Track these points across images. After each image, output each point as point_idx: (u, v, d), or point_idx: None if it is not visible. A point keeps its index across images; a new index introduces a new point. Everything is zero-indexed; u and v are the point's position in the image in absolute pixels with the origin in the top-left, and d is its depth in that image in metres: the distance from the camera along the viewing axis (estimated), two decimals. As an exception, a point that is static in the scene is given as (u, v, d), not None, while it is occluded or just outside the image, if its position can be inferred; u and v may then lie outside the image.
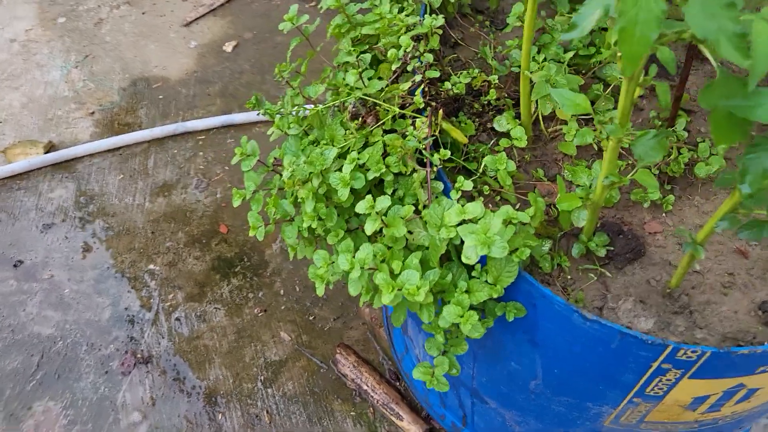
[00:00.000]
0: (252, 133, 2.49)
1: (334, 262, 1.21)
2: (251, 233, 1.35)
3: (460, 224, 1.03)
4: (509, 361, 1.22)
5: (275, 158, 1.39)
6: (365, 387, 1.85)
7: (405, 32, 1.35)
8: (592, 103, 1.27)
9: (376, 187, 1.23)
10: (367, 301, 1.16)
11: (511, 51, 1.34)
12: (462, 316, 1.05)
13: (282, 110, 1.32)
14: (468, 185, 1.07)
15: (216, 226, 2.23)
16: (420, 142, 1.14)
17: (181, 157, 2.41)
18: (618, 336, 0.99)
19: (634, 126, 1.33)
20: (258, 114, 1.43)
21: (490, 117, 1.32)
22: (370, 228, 1.07)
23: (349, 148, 1.23)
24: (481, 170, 1.17)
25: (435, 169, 1.13)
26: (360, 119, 1.24)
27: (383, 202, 1.07)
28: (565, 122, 1.29)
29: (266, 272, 2.12)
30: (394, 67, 1.31)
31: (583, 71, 1.35)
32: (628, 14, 0.59)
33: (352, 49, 1.31)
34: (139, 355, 1.95)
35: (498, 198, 1.15)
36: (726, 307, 1.08)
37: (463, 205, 1.03)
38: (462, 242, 1.04)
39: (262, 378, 1.91)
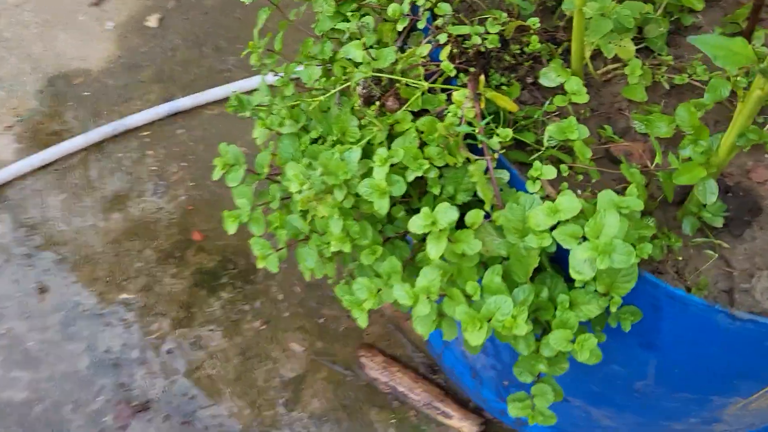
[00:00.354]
0: (203, 117, 2.16)
1: (381, 290, 0.95)
2: (260, 265, 1.08)
3: (554, 227, 0.78)
4: (610, 365, 1.00)
5: (271, 165, 1.11)
6: (401, 388, 1.64)
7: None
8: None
9: (412, 185, 0.97)
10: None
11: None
12: (573, 341, 0.82)
13: (273, 105, 1.03)
14: (550, 172, 0.82)
15: (188, 234, 1.93)
16: (470, 124, 0.88)
17: (128, 160, 2.08)
18: (778, 332, 0.78)
19: (694, 48, 1.09)
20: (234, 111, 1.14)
21: (528, 69, 1.06)
22: (435, 251, 0.82)
23: (369, 143, 0.96)
24: (547, 142, 0.92)
25: (495, 155, 0.88)
26: (377, 103, 0.96)
27: (448, 214, 0.81)
28: (617, 59, 1.04)
29: (258, 277, 1.85)
30: (400, 27, 1.03)
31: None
32: None
33: (350, 13, 1.02)
34: (134, 403, 1.68)
35: (580, 177, 0.90)
36: None
37: (553, 201, 0.79)
38: (557, 245, 0.80)
39: (283, 400, 1.67)
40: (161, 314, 1.80)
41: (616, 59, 1.05)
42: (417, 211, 1.02)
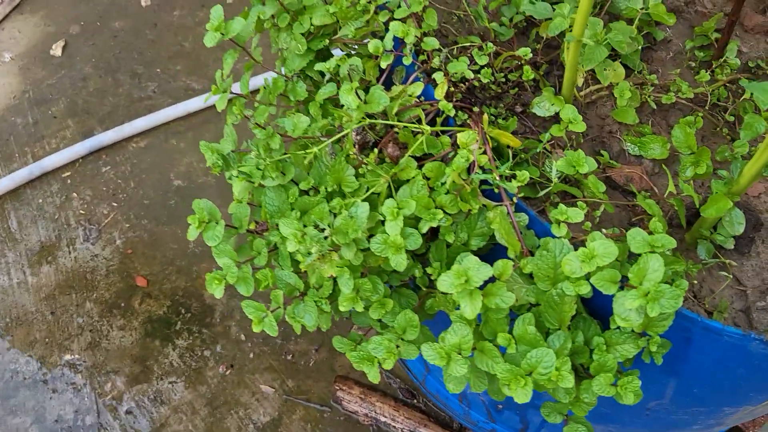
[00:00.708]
0: (129, 151, 2.01)
1: (400, 347, 0.91)
2: (256, 329, 1.00)
3: (589, 275, 0.76)
4: (627, 390, 1.00)
5: (257, 222, 1.03)
6: (383, 418, 1.59)
7: (375, 12, 1.01)
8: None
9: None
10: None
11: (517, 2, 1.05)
12: (615, 385, 0.80)
13: (257, 158, 0.94)
14: (576, 215, 0.80)
15: (131, 280, 1.79)
16: (488, 171, 0.84)
17: (51, 206, 1.91)
18: (810, 352, 0.79)
19: (668, 61, 1.11)
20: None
21: (514, 97, 1.04)
22: (471, 310, 0.78)
23: (372, 194, 0.90)
24: (555, 177, 0.89)
25: (514, 200, 0.84)
26: (375, 150, 0.91)
27: (482, 271, 0.77)
28: (597, 81, 1.04)
29: (215, 319, 1.75)
30: (384, 64, 0.97)
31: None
32: None
33: (339, 60, 0.95)
34: (97, 474, 1.55)
35: (598, 213, 0.89)
36: None
37: (583, 245, 0.77)
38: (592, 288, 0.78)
39: (260, 448, 1.59)
40: (113, 372, 1.67)
41: (597, 81, 1.05)
42: (422, 256, 0.98)
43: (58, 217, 1.89)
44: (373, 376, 0.97)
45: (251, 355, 1.70)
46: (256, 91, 1.10)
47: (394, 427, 1.58)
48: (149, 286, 1.79)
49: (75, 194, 1.93)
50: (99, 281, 1.79)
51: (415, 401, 1.64)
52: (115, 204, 1.92)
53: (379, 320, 0.99)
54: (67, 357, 1.69)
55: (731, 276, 0.90)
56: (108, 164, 1.98)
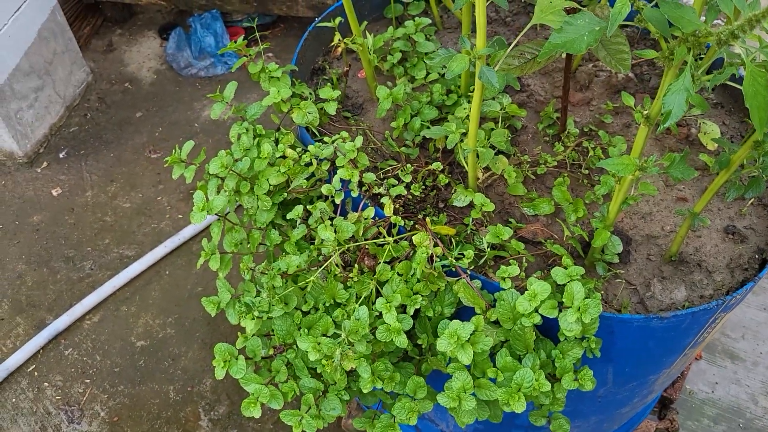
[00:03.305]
0: (85, 329, 2.15)
1: (417, 405, 1.18)
2: (297, 431, 1.24)
3: (537, 308, 1.09)
4: (582, 386, 1.33)
5: (274, 347, 1.27)
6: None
7: (318, 164, 1.32)
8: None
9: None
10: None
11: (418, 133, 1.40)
12: (576, 380, 1.12)
13: (268, 298, 1.21)
14: (514, 270, 1.13)
15: (125, 444, 1.92)
16: (444, 257, 1.16)
17: (26, 401, 2.01)
18: (690, 316, 1.16)
19: (530, 142, 1.50)
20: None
21: (435, 198, 1.37)
22: (466, 357, 1.08)
23: (364, 298, 1.19)
24: (487, 247, 1.23)
25: (468, 272, 1.16)
26: (355, 266, 1.20)
27: (466, 329, 1.08)
28: (488, 169, 1.40)
29: (214, 453, 1.91)
30: (338, 200, 1.28)
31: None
32: (756, 95, 0.71)
33: (311, 208, 1.24)
34: None
35: (525, 265, 1.22)
36: (710, 246, 1.31)
37: (525, 290, 1.09)
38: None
39: None
40: None
41: (486, 169, 1.41)
42: (407, 333, 1.27)
43: (36, 410, 1.99)
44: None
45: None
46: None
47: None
48: (145, 444, 1.93)
49: (46, 383, 2.04)
50: (96, 455, 1.91)
51: (412, 464, 1.88)
52: (87, 380, 2.05)
53: (390, 392, 1.26)
54: None
55: (624, 281, 1.26)
56: (69, 347, 2.12)
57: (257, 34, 1.70)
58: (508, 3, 1.54)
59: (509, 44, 1.13)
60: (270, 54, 2.95)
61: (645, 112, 0.92)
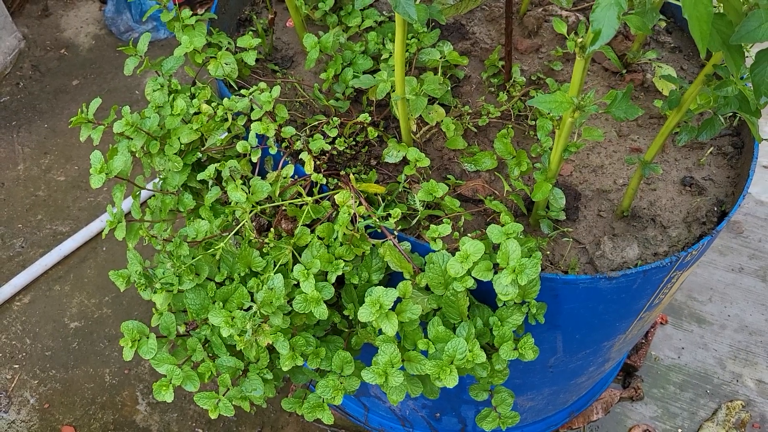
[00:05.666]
0: (14, 311, 2.01)
1: (343, 382, 1.06)
2: (213, 415, 1.12)
3: (470, 271, 0.97)
4: (528, 355, 1.22)
5: (186, 323, 1.15)
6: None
7: (233, 119, 1.19)
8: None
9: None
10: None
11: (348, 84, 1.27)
12: (516, 349, 1.01)
13: (174, 267, 1.07)
14: (445, 229, 1.01)
15: (57, 432, 1.80)
16: (368, 217, 1.03)
17: (-51, 389, 1.87)
18: (641, 275, 1.04)
19: (474, 92, 1.37)
20: None
21: (366, 153, 1.25)
22: (391, 328, 0.96)
23: (281, 266, 1.07)
24: (420, 205, 1.10)
25: (395, 233, 1.04)
26: (271, 230, 1.07)
27: (389, 295, 0.96)
28: (426, 122, 1.27)
29: (153, 438, 1.79)
30: (255, 158, 1.15)
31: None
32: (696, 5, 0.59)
33: (219, 166, 1.11)
34: None
35: (461, 223, 1.10)
36: (665, 199, 1.20)
37: (457, 251, 0.97)
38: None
39: None
40: None
41: (423, 122, 1.28)
42: (335, 305, 1.15)
43: (-39, 398, 1.85)
44: (327, 418, 1.12)
45: (200, 459, 1.76)
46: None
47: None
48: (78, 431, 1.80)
49: (-29, 370, 1.91)
50: (24, 444, 1.78)
51: (363, 443, 1.78)
52: (16, 366, 1.91)
53: (317, 369, 1.14)
54: None
55: (571, 239, 1.15)
56: (-6, 331, 1.98)
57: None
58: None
59: (435, -27, 0.99)
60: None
61: (579, 40, 0.79)
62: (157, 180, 1.24)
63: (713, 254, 2.06)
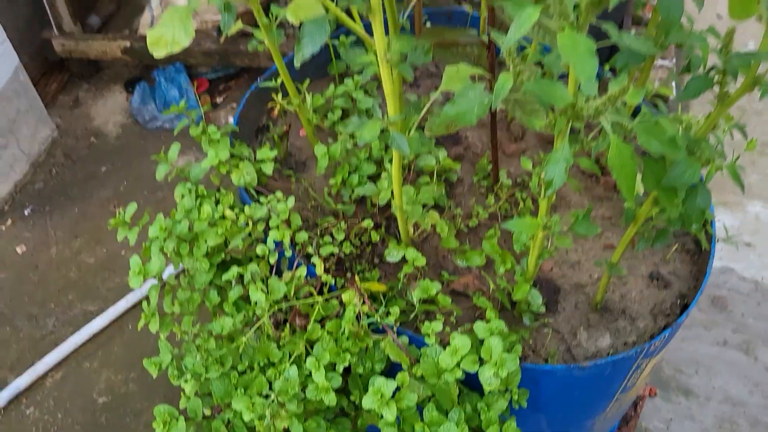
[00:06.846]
0: (47, 387, 2.16)
1: (350, 462, 1.20)
2: (235, 491, 1.25)
3: (458, 363, 1.12)
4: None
5: (212, 407, 1.30)
6: None
7: (253, 224, 1.36)
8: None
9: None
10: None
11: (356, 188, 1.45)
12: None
13: (203, 360, 1.23)
14: (437, 326, 1.17)
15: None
16: (372, 315, 1.19)
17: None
18: (611, 364, 1.19)
19: (466, 194, 1.54)
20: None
21: (370, 253, 1.41)
22: (391, 414, 1.10)
23: (296, 357, 1.22)
24: (417, 302, 1.26)
25: (395, 329, 1.20)
26: (287, 325, 1.23)
27: (389, 386, 1.11)
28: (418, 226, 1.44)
29: None
30: (272, 260, 1.32)
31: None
32: (623, 167, 0.76)
33: (241, 270, 1.28)
34: None
35: (453, 319, 1.26)
36: (635, 292, 1.35)
37: (448, 345, 1.13)
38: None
39: None
40: None
41: (419, 224, 1.45)
42: (344, 390, 1.30)
43: (-4, 471, 1.99)
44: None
45: None
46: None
47: None
48: (104, 503, 1.92)
49: (5, 445, 2.04)
50: None
51: None
52: (41, 444, 2.05)
53: (327, 449, 1.28)
54: None
55: (551, 330, 1.30)
56: (30, 405, 2.12)
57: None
58: (413, 69, 1.58)
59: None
60: (234, 105, 3.01)
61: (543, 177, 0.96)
62: (173, 270, 1.40)
63: (699, 329, 2.19)
